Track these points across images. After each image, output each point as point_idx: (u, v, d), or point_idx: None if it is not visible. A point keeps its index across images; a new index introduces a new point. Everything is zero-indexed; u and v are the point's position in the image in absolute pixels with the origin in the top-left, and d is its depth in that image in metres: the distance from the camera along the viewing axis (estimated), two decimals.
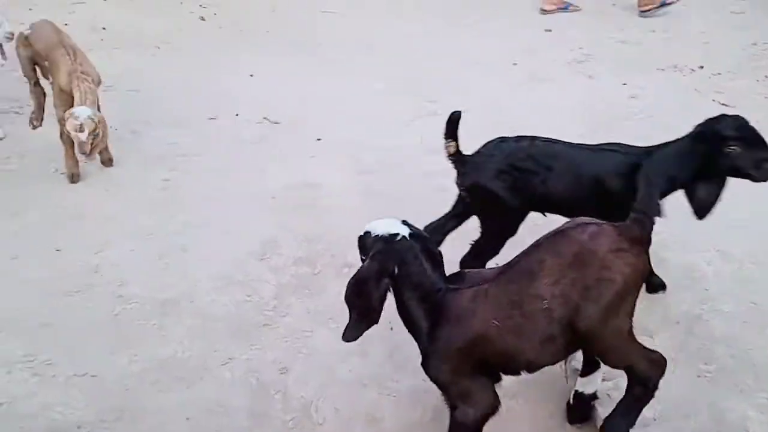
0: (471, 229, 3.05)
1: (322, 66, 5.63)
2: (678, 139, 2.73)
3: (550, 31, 6.30)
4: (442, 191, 3.92)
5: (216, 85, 5.24)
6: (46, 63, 4.00)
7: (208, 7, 6.75)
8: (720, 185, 2.66)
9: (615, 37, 6.12)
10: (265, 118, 4.83)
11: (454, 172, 4.05)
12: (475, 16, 6.62)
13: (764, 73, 5.14)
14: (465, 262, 2.96)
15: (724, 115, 2.70)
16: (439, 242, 2.98)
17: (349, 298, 2.19)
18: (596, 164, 2.72)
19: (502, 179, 2.77)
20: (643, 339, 2.74)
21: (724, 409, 2.51)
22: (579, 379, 2.48)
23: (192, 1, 6.85)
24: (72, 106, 3.73)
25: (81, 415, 2.60)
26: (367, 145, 4.40)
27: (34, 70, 4.19)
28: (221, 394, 2.70)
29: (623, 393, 2.37)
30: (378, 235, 2.21)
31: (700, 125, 2.71)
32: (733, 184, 2.71)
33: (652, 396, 2.27)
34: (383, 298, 2.18)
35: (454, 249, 2.97)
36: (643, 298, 3.02)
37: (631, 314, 2.18)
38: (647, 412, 2.40)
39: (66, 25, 4.96)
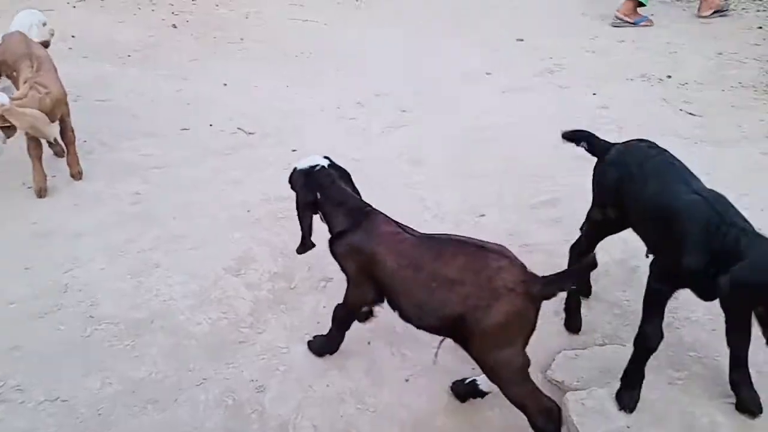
0: None
1: (298, 75, 5.62)
2: None
3: (522, 40, 6.38)
4: (419, 201, 3.95)
5: (188, 95, 5.19)
6: (14, 74, 3.92)
7: (180, 14, 6.68)
8: None
9: (585, 47, 6.23)
10: (239, 128, 4.80)
11: (431, 184, 4.11)
12: (450, 27, 6.66)
13: (730, 83, 5.27)
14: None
15: None
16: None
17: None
18: None
19: None
20: (615, 347, 2.80)
21: (694, 415, 2.55)
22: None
23: (164, 8, 6.77)
24: None
25: None
26: (343, 155, 4.34)
27: None
28: (196, 416, 2.66)
29: (596, 401, 2.44)
30: (301, 170, 2.70)
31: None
32: None
33: None
34: (310, 224, 2.70)
35: None
36: (615, 305, 3.09)
37: (521, 357, 2.30)
38: (620, 420, 2.44)
39: None
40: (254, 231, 3.69)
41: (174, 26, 6.48)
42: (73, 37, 6.01)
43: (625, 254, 3.24)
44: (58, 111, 3.85)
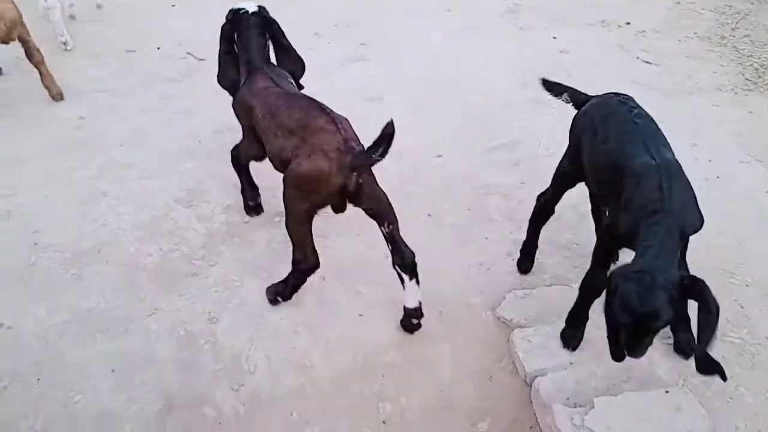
0: None
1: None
2: None
3: None
4: (372, 137, 3.89)
5: (134, 15, 4.90)
6: None
7: None
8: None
9: None
10: (188, 53, 4.59)
11: (386, 117, 4.04)
12: None
13: (686, 33, 5.33)
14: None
15: None
16: None
17: None
18: None
19: None
20: (563, 288, 2.88)
21: None
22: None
23: None
24: None
25: None
26: None
27: None
28: (147, 346, 2.65)
29: (542, 338, 2.56)
30: (232, 9, 3.06)
31: None
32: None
33: (299, 280, 2.75)
34: (226, 53, 3.07)
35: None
36: (565, 248, 3.18)
37: (308, 206, 2.57)
38: (563, 357, 2.55)
39: None
40: (206, 163, 3.59)
41: None
42: None
43: (577, 199, 3.30)
44: (14, 33, 3.67)
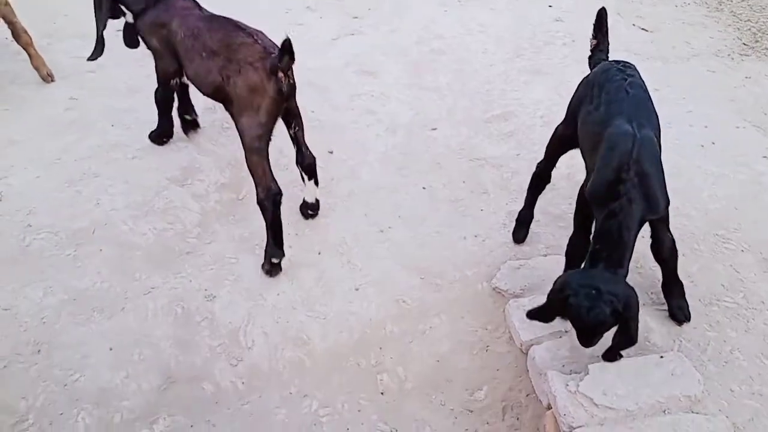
0: None
1: None
2: None
3: None
4: (371, 114, 3.87)
5: None
6: None
7: None
8: None
9: None
10: None
11: (383, 96, 4.02)
12: None
13: None
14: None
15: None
16: None
17: None
18: None
19: None
20: (558, 258, 2.88)
21: None
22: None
23: None
24: None
25: None
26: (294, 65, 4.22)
27: None
28: (145, 324, 2.66)
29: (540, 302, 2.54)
30: None
31: None
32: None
33: (271, 217, 2.81)
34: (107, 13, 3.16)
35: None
36: (559, 218, 3.17)
37: (260, 126, 2.71)
38: (558, 325, 2.55)
39: None
40: (199, 141, 3.56)
41: None
42: None
43: (571, 168, 3.29)
44: None
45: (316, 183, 3.07)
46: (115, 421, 2.38)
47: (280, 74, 2.65)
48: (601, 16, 2.81)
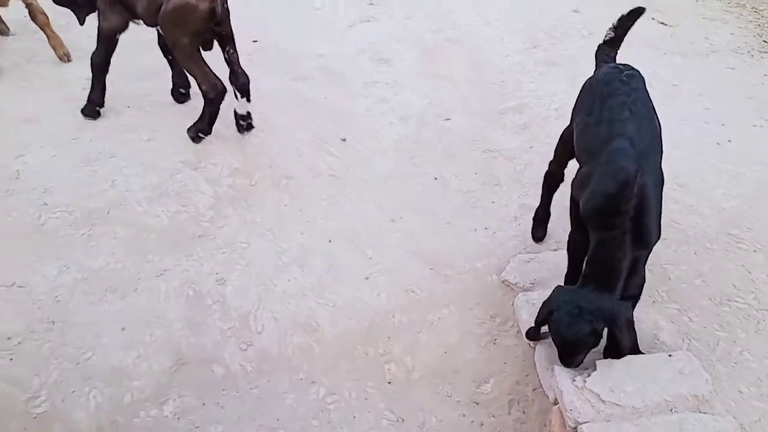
0: None
1: None
2: None
3: None
4: (384, 102, 3.86)
5: None
6: None
7: None
8: None
9: None
10: None
11: (397, 84, 4.00)
12: None
13: None
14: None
15: None
16: None
17: None
18: None
19: None
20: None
21: (637, 318, 2.68)
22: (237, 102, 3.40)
23: None
24: None
25: (9, 326, 2.54)
26: (310, 51, 4.22)
27: None
28: (157, 305, 2.68)
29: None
30: None
31: None
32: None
33: (213, 108, 3.30)
34: None
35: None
36: None
37: (189, 38, 3.14)
38: None
39: None
40: (214, 125, 3.56)
41: None
42: None
43: None
44: None
45: (248, 100, 3.41)
46: (126, 400, 2.42)
47: None
48: (634, 16, 2.72)
